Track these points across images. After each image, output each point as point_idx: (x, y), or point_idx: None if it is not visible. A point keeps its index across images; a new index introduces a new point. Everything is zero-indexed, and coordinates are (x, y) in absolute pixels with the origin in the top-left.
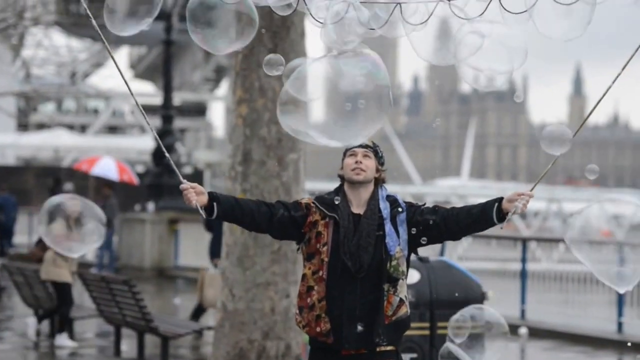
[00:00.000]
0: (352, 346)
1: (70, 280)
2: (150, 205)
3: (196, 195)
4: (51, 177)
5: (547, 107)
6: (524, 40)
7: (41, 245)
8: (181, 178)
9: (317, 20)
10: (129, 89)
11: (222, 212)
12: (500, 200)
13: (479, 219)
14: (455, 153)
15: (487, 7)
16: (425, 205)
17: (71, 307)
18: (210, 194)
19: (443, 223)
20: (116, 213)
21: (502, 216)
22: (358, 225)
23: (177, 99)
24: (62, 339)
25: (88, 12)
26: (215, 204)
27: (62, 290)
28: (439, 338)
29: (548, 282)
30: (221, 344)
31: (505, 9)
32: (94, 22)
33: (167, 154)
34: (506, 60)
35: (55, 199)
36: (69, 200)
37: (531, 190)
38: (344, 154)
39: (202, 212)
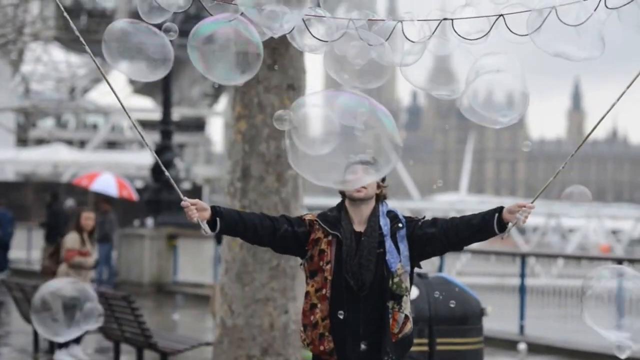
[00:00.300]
0: None
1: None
2: (149, 221)
3: (198, 211)
4: (50, 192)
5: (546, 122)
6: (524, 83)
7: (54, 259)
8: (181, 195)
9: (317, 39)
10: (124, 109)
11: (225, 226)
12: (500, 210)
13: (479, 230)
14: (453, 168)
15: (491, 28)
16: (424, 219)
17: None
18: (212, 208)
19: (443, 235)
20: (115, 228)
21: (503, 226)
22: (359, 243)
23: (176, 114)
24: (61, 354)
25: (80, 37)
26: (218, 218)
27: None
28: (437, 354)
29: (547, 297)
30: None
31: (511, 31)
32: (87, 48)
33: (166, 173)
34: (510, 108)
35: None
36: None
37: (532, 202)
38: (345, 171)
39: (204, 227)
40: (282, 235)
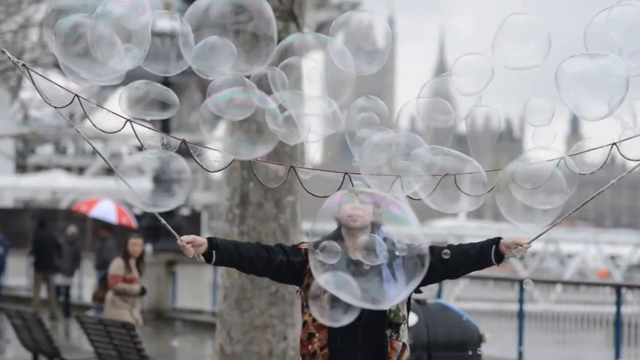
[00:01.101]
0: None
1: (131, 320)
2: (148, 247)
3: (194, 247)
4: (50, 219)
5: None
6: None
7: (104, 285)
8: (177, 235)
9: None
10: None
11: (220, 259)
12: (497, 241)
13: (477, 261)
14: None
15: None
16: None
17: None
18: (209, 240)
19: (441, 264)
20: (113, 255)
21: (500, 256)
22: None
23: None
24: None
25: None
26: (214, 251)
27: None
28: None
29: (545, 322)
30: None
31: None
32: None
33: (161, 219)
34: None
35: None
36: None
37: (529, 243)
38: (343, 202)
39: (201, 259)
40: (278, 265)
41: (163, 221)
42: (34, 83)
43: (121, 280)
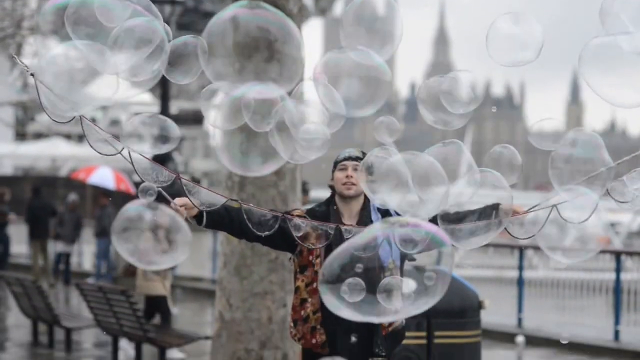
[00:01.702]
0: (347, 357)
1: (163, 293)
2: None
3: (187, 209)
4: (50, 186)
5: (544, 114)
6: None
7: None
8: (169, 198)
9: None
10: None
11: (210, 221)
12: (496, 207)
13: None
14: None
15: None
16: None
17: (169, 320)
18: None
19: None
20: (113, 222)
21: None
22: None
23: (174, 107)
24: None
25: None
26: (204, 213)
27: (157, 304)
28: (436, 347)
29: (545, 289)
30: (218, 354)
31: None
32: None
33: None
34: None
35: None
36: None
37: (526, 211)
38: (334, 166)
39: (192, 222)
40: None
41: (158, 187)
42: (38, 93)
43: None
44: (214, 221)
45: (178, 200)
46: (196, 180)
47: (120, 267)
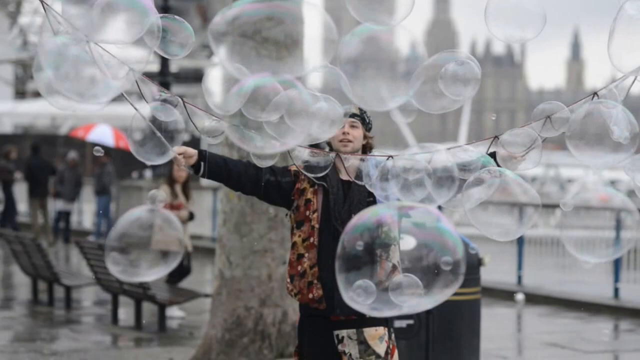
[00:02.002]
0: (344, 312)
1: (178, 249)
2: (148, 173)
3: (185, 158)
4: (50, 145)
5: (545, 72)
6: None
7: None
8: (169, 146)
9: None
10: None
11: (208, 171)
12: (493, 155)
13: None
14: (452, 118)
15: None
16: None
17: (185, 276)
18: (199, 152)
19: None
20: (113, 180)
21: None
22: (348, 192)
23: (174, 65)
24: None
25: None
26: (202, 162)
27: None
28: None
29: (545, 247)
30: (218, 312)
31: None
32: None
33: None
34: None
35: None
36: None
37: (522, 155)
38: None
39: (190, 171)
40: (264, 185)
41: (158, 133)
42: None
43: (168, 207)
44: (212, 171)
45: (177, 148)
46: (196, 139)
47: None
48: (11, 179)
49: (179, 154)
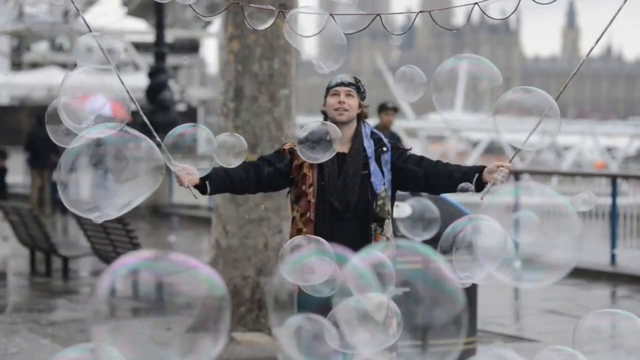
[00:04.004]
0: None
1: None
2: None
3: (187, 175)
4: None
5: (541, 39)
6: None
7: None
8: (172, 160)
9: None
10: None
11: (214, 188)
12: (481, 170)
13: (458, 186)
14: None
15: None
16: (411, 152)
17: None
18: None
19: (424, 177)
20: None
21: (482, 185)
22: (343, 164)
23: (170, 36)
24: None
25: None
26: (207, 182)
27: None
28: (430, 271)
29: (542, 215)
30: None
31: None
32: None
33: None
34: None
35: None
36: None
37: (509, 161)
38: (327, 92)
39: (194, 192)
40: (267, 178)
41: (158, 138)
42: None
43: None
44: (218, 187)
45: (181, 166)
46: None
47: None
48: None
49: (182, 169)
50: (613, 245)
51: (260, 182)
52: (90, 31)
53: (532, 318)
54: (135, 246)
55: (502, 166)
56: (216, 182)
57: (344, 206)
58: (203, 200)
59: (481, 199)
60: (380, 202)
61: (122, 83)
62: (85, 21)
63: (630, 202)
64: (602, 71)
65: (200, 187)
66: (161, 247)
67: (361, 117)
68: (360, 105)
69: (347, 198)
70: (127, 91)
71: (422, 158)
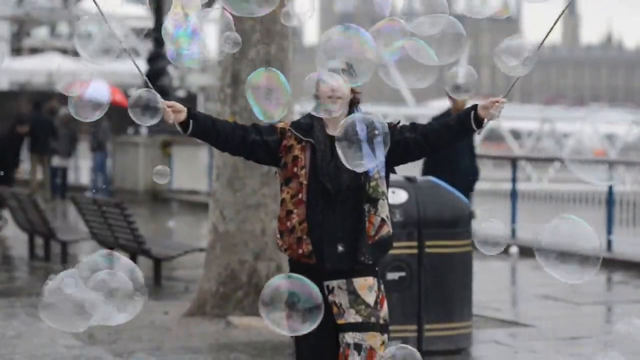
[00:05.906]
0: (334, 265)
1: None
2: (144, 128)
3: (174, 113)
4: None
5: (541, 27)
6: None
7: None
8: (159, 97)
9: None
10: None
11: (197, 129)
12: (475, 107)
13: (458, 130)
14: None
15: None
16: (401, 124)
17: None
18: (188, 110)
19: (424, 139)
20: (109, 136)
21: (480, 122)
22: (335, 147)
23: None
24: None
25: None
26: (191, 121)
27: None
28: (427, 257)
29: (539, 201)
30: (212, 266)
31: None
32: None
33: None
34: None
35: None
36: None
37: (504, 97)
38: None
39: (179, 128)
40: (251, 144)
41: (148, 82)
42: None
43: None
44: (200, 131)
45: (168, 102)
46: (192, 95)
47: None
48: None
49: (168, 107)
50: (609, 231)
51: (243, 145)
52: (102, 14)
53: (528, 303)
54: (133, 230)
55: (497, 101)
56: (201, 124)
57: (337, 189)
58: (203, 186)
59: (478, 133)
60: (373, 183)
61: (138, 67)
62: (96, 3)
63: (627, 189)
64: (602, 59)
65: (186, 125)
66: (161, 232)
67: (354, 102)
68: (353, 91)
69: (340, 180)
70: (139, 70)
71: (413, 124)
